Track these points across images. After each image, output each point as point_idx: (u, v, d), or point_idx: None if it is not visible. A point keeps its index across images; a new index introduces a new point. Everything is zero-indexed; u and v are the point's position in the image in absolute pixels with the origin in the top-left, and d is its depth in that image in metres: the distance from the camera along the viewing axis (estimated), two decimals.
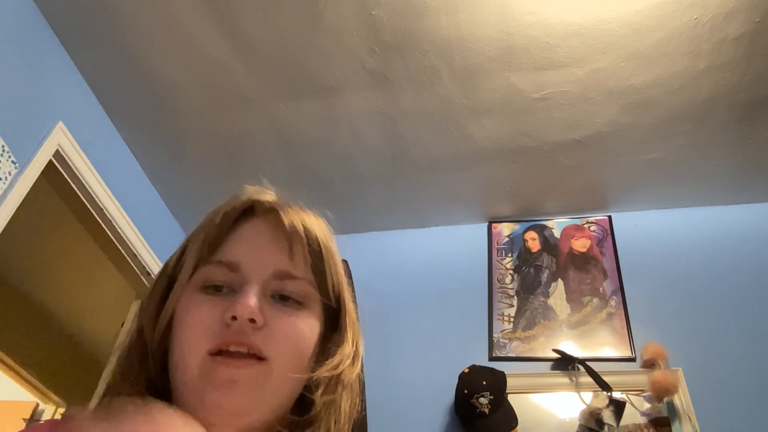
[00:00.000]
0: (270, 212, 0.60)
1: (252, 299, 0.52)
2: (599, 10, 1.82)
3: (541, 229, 2.55)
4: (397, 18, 1.88)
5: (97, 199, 2.11)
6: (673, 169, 2.32)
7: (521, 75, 2.03)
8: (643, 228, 2.44)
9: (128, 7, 1.91)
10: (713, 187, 2.38)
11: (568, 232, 2.51)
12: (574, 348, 2.13)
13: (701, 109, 2.08)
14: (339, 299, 0.61)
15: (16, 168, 1.79)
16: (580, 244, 2.45)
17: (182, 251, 0.60)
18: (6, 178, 1.75)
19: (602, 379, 1.96)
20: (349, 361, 0.58)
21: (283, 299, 0.55)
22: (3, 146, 1.74)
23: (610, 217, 2.50)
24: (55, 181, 2.02)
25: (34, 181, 1.85)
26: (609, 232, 2.46)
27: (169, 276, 0.59)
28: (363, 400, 1.98)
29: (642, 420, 1.88)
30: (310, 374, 0.55)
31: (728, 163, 2.28)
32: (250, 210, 0.60)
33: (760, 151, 2.23)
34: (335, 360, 0.56)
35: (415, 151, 2.34)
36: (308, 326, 0.56)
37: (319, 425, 0.54)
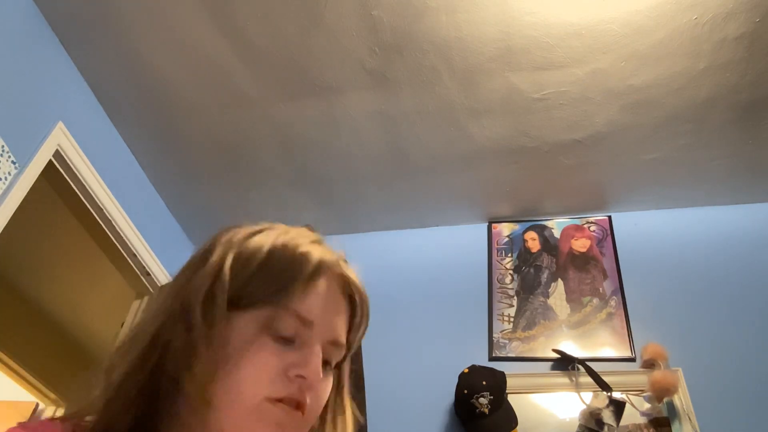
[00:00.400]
0: (342, 276, 0.62)
1: (320, 365, 0.55)
2: (599, 10, 1.82)
3: (541, 229, 2.55)
4: (397, 18, 1.88)
5: (97, 199, 2.11)
6: (673, 169, 2.32)
7: (521, 75, 2.03)
8: (643, 228, 2.44)
9: (128, 8, 1.91)
10: (713, 187, 2.38)
11: (568, 232, 2.51)
12: (574, 348, 2.13)
13: (701, 109, 2.08)
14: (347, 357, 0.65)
15: (16, 168, 1.79)
16: (580, 244, 2.45)
17: (245, 271, 0.57)
18: (6, 178, 1.75)
19: (602, 379, 1.96)
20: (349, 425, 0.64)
21: (325, 363, 0.58)
22: (3, 146, 1.74)
23: (610, 217, 2.50)
24: (55, 181, 2.02)
25: (34, 181, 1.85)
26: (609, 232, 2.46)
27: (231, 290, 0.56)
28: (363, 400, 1.98)
29: (642, 420, 1.88)
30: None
31: (728, 163, 2.28)
32: (326, 266, 0.61)
33: (760, 151, 2.23)
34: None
35: (415, 151, 2.34)
36: (329, 388, 0.60)
37: None
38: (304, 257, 0.59)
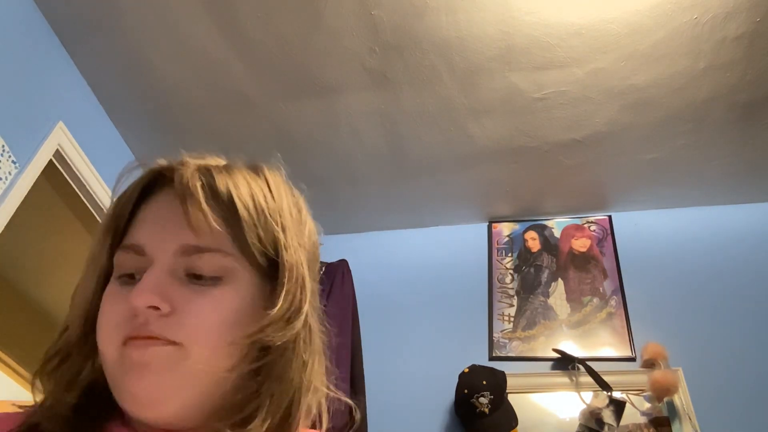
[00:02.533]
0: (172, 183, 0.52)
1: (147, 285, 0.47)
2: (599, 10, 1.82)
3: (541, 229, 2.55)
4: (397, 18, 1.88)
5: (97, 199, 2.11)
6: (673, 169, 2.32)
7: (521, 75, 2.03)
8: (643, 228, 2.44)
9: (128, 8, 1.91)
10: (713, 187, 2.38)
11: (568, 231, 2.51)
12: (574, 348, 2.13)
13: (701, 109, 2.08)
14: (277, 257, 0.53)
15: (16, 168, 1.79)
16: (580, 244, 2.45)
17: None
18: (6, 178, 1.75)
19: (602, 379, 1.96)
20: (278, 325, 0.50)
21: (197, 278, 0.50)
22: (3, 146, 1.74)
23: (610, 217, 2.50)
24: (55, 181, 2.02)
25: (34, 181, 1.85)
26: (609, 232, 2.46)
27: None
28: (363, 400, 1.98)
29: (642, 420, 1.88)
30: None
31: (728, 162, 2.28)
32: (154, 185, 0.55)
33: (760, 151, 2.23)
34: (253, 328, 0.49)
35: (415, 151, 2.34)
36: (227, 302, 0.49)
37: (258, 412, 0.48)
38: (123, 193, 0.55)
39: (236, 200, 0.51)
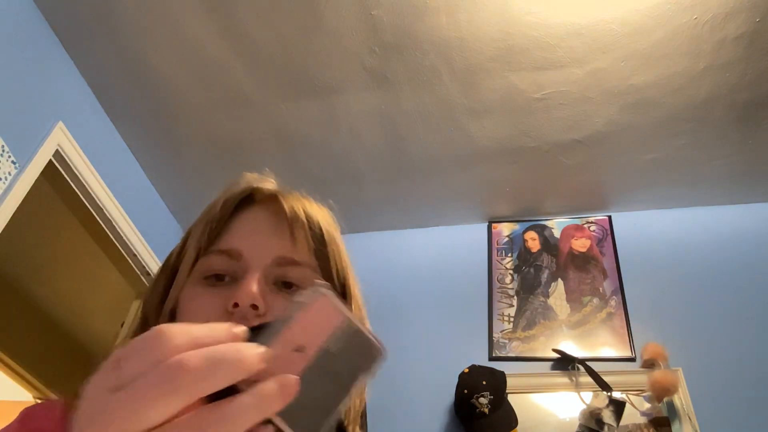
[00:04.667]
0: (270, 199, 0.59)
1: (253, 285, 0.51)
2: (599, 10, 1.82)
3: (541, 229, 2.55)
4: (397, 18, 1.88)
5: (97, 199, 2.11)
6: (673, 169, 2.32)
7: (521, 75, 2.03)
8: (643, 228, 2.44)
9: (128, 8, 1.91)
10: (713, 187, 2.38)
11: (568, 232, 2.51)
12: (574, 348, 2.13)
13: (701, 109, 2.08)
14: (344, 286, 0.60)
15: (16, 168, 1.79)
16: (580, 244, 2.45)
17: (184, 243, 0.60)
18: (6, 178, 1.75)
19: (602, 379, 1.96)
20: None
21: (285, 286, 0.55)
22: (3, 146, 1.74)
23: (610, 217, 2.50)
24: (55, 181, 2.02)
25: (34, 181, 1.85)
26: (609, 232, 2.46)
27: (172, 268, 0.59)
28: (362, 399, 1.98)
29: (642, 420, 1.88)
30: None
31: (728, 162, 2.28)
32: (249, 198, 0.60)
33: (760, 151, 2.23)
34: None
35: (415, 151, 2.34)
36: None
37: None
38: (218, 201, 0.59)
39: (325, 230, 0.60)
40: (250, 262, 0.54)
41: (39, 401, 0.55)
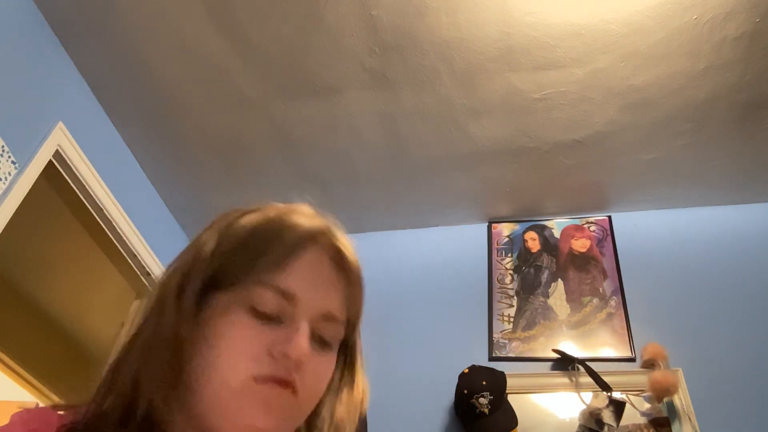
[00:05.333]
0: (331, 246, 0.58)
1: (306, 341, 0.52)
2: (599, 10, 1.82)
3: (541, 229, 2.55)
4: (397, 18, 1.88)
5: (96, 199, 2.11)
6: (673, 169, 2.32)
7: (521, 75, 2.03)
8: (643, 228, 2.44)
9: (128, 8, 1.91)
10: (713, 187, 2.38)
11: (568, 232, 2.51)
12: (574, 348, 2.13)
13: (701, 109, 2.08)
14: (354, 347, 0.62)
15: (16, 168, 1.79)
16: (580, 244, 2.45)
17: (226, 250, 0.56)
18: (6, 178, 1.75)
19: (602, 379, 1.96)
20: (359, 405, 0.60)
21: (321, 340, 0.55)
22: (3, 146, 1.74)
23: (610, 217, 2.50)
24: (55, 181, 2.02)
25: (34, 181, 1.85)
26: (609, 232, 2.46)
27: (210, 271, 0.55)
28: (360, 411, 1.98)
29: (642, 420, 1.88)
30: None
31: (728, 162, 2.28)
32: (313, 237, 0.58)
33: (760, 151, 2.23)
34: (346, 408, 0.59)
35: (415, 151, 2.34)
36: (331, 367, 0.57)
37: None
38: (286, 229, 0.56)
39: (361, 292, 0.60)
40: (302, 311, 0.54)
41: (24, 408, 0.55)
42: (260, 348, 0.51)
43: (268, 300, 0.53)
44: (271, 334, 0.52)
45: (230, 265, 0.54)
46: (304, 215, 0.59)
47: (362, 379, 0.62)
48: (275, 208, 0.60)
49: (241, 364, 0.51)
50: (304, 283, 0.54)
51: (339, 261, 0.58)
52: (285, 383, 0.51)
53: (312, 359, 0.53)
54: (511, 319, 2.27)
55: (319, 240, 0.57)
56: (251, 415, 0.50)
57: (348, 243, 0.60)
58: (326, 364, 0.56)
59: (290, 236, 0.56)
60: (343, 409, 0.59)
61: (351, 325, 0.59)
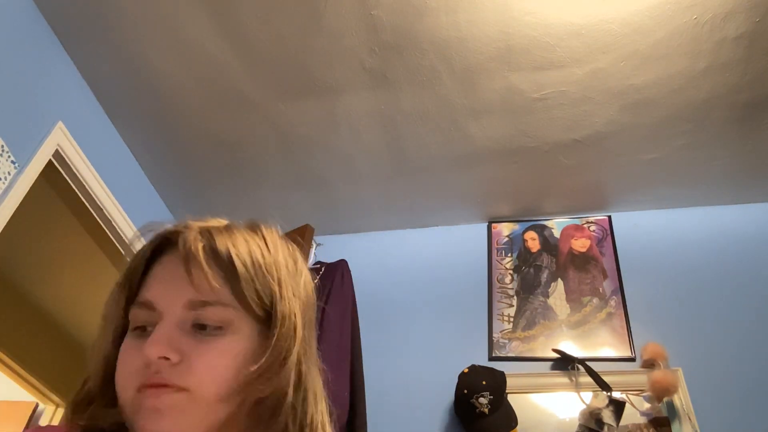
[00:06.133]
0: (184, 243, 0.59)
1: (158, 338, 0.54)
2: (599, 10, 1.82)
3: (540, 229, 2.55)
4: (397, 18, 1.88)
5: (96, 199, 2.11)
6: (673, 169, 2.32)
7: (521, 75, 2.03)
8: (643, 228, 2.44)
9: (128, 7, 1.91)
10: (713, 187, 2.38)
11: (568, 232, 2.51)
12: (573, 348, 2.13)
13: (701, 109, 2.08)
14: (271, 312, 0.59)
15: (15, 168, 1.79)
16: (580, 244, 2.45)
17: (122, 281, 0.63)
18: (6, 178, 1.75)
19: (602, 379, 1.96)
20: (265, 375, 0.57)
21: (202, 328, 0.56)
22: (3, 146, 1.74)
23: (609, 217, 2.50)
24: (55, 181, 2.02)
25: (33, 181, 1.85)
26: (609, 232, 2.46)
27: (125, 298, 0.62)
28: (363, 400, 1.98)
29: (642, 420, 1.88)
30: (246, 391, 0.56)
31: (728, 163, 2.28)
32: (167, 243, 0.61)
33: (760, 151, 2.23)
34: (247, 377, 0.57)
35: (415, 151, 2.34)
36: (229, 349, 0.56)
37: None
38: (139, 254, 0.61)
39: (235, 258, 0.58)
40: (162, 312, 0.56)
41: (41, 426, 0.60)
42: (138, 361, 0.54)
43: (136, 316, 0.57)
44: (142, 345, 0.55)
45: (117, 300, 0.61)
46: (157, 231, 0.62)
47: (280, 352, 0.58)
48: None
49: (127, 381, 0.54)
50: (159, 287, 0.58)
51: (192, 252, 0.57)
52: (157, 386, 0.53)
53: (191, 347, 0.54)
54: (511, 319, 2.27)
55: (167, 246, 0.61)
56: (148, 423, 0.52)
57: (210, 231, 0.60)
58: (213, 347, 0.55)
59: (140, 256, 0.61)
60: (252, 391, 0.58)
61: (247, 304, 0.57)
